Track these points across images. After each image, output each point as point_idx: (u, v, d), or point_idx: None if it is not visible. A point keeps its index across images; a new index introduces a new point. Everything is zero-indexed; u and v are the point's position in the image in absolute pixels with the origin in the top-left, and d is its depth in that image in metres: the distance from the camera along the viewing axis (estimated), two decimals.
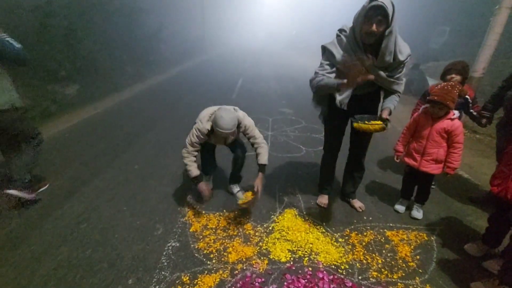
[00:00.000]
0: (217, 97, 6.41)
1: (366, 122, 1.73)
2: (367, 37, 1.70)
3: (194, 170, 2.18)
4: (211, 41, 17.49)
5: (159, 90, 7.14)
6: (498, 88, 2.36)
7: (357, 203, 2.48)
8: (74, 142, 3.81)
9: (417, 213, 2.38)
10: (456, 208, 2.52)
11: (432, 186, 2.62)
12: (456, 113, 2.08)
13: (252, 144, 2.28)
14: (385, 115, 1.82)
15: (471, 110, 2.41)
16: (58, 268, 1.81)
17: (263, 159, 2.24)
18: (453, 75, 2.30)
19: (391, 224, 2.29)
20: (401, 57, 1.77)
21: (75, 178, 2.88)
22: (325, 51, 1.92)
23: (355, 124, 1.76)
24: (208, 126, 2.11)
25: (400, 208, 2.45)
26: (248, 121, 2.23)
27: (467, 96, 2.37)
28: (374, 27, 1.64)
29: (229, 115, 2.00)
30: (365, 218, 2.36)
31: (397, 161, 2.35)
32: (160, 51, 10.79)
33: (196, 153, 2.19)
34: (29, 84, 5.17)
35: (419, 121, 2.18)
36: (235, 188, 2.68)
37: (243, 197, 2.26)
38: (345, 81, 1.69)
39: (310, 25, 20.61)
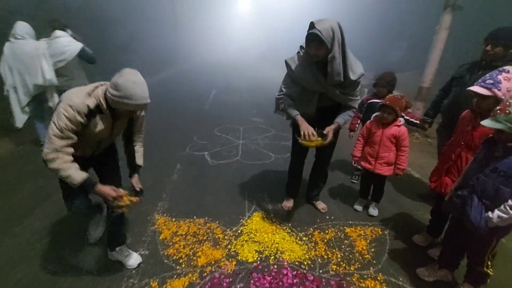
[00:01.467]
0: (190, 107, 6.47)
1: (307, 141, 1.97)
2: (310, 58, 1.90)
3: (77, 173, 1.44)
4: (184, 53, 17.50)
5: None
6: (436, 96, 2.70)
7: (320, 205, 2.66)
8: (38, 155, 3.65)
9: (373, 210, 2.60)
10: (408, 205, 2.79)
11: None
12: (402, 120, 2.35)
13: (133, 140, 1.86)
14: (326, 131, 2.01)
15: (406, 117, 2.68)
16: (19, 285, 1.76)
17: (141, 160, 1.90)
18: (380, 89, 2.63)
19: (350, 222, 2.48)
20: (353, 77, 1.92)
21: (40, 186, 2.78)
22: (287, 66, 2.09)
23: (299, 141, 1.99)
24: (88, 101, 1.44)
25: (358, 207, 2.67)
26: None
27: None
28: (312, 51, 1.83)
29: (138, 76, 1.45)
30: (327, 217, 2.54)
31: (355, 165, 2.57)
32: (132, 63, 10.64)
33: (70, 150, 1.44)
34: None
35: (371, 128, 2.42)
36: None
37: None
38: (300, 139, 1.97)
39: (280, 39, 21.40)
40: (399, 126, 2.30)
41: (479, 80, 1.64)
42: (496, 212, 1.41)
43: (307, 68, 1.95)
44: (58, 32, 3.37)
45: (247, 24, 31.89)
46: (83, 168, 1.51)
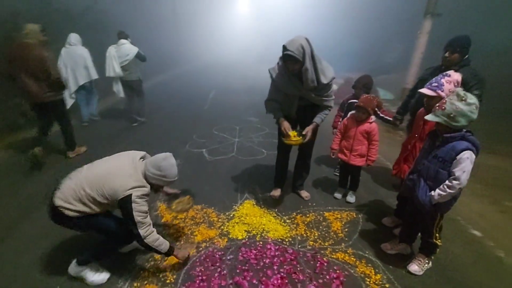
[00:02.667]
0: (190, 107, 6.81)
1: (289, 139, 2.36)
2: (289, 72, 2.25)
3: (165, 244, 1.81)
4: (185, 55, 17.84)
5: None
6: (406, 96, 3.03)
7: (304, 193, 2.99)
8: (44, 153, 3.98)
9: (351, 198, 2.93)
10: (383, 193, 3.12)
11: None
12: (373, 118, 2.68)
13: None
14: (305, 131, 2.38)
15: (381, 115, 3.02)
16: (43, 257, 2.09)
17: None
18: (357, 91, 2.98)
19: (329, 208, 2.82)
20: (325, 80, 2.26)
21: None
22: (270, 75, 2.45)
23: (283, 140, 2.40)
24: (147, 184, 1.77)
25: (338, 195, 3.00)
26: None
27: None
28: (289, 68, 2.19)
29: (173, 159, 1.85)
30: (309, 204, 2.87)
31: (333, 156, 2.91)
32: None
33: (152, 226, 1.78)
34: None
35: (347, 125, 2.75)
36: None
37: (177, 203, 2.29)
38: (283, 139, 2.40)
39: (278, 40, 21.78)
40: (370, 123, 2.64)
41: (427, 83, 1.97)
42: (437, 191, 1.73)
43: (286, 77, 2.30)
44: (122, 40, 4.88)
45: (246, 25, 32.26)
46: None
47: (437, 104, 1.72)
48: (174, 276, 1.95)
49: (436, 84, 1.92)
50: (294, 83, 2.29)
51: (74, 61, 4.70)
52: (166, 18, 16.23)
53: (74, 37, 4.76)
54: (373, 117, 2.67)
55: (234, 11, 33.54)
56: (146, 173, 1.76)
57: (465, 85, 2.35)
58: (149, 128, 5.22)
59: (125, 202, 1.64)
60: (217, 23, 29.32)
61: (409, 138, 2.27)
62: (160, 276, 1.96)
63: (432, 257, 2.06)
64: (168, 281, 1.91)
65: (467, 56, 2.45)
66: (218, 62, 19.84)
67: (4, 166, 3.64)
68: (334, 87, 2.45)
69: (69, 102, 4.72)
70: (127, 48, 4.85)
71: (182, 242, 2.28)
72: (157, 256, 2.12)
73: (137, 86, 5.16)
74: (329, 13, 16.26)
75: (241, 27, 32.56)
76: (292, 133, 2.39)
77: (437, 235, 1.95)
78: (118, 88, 5.12)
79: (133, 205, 1.64)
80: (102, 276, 1.90)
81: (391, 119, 3.00)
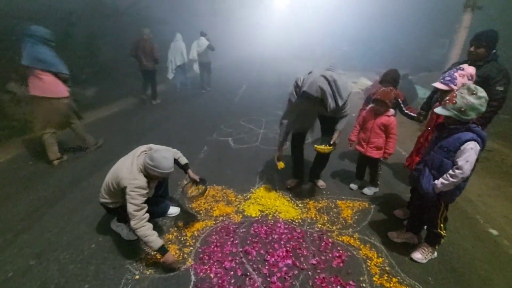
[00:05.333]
0: (221, 100, 7.19)
1: (322, 146, 2.55)
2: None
3: (157, 241, 1.87)
4: (221, 50, 18.39)
5: (170, 93, 7.90)
6: (431, 92, 2.98)
7: (320, 182, 3.12)
8: (94, 135, 4.54)
9: (368, 190, 2.99)
10: (400, 188, 3.13)
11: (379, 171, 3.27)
12: (392, 111, 2.71)
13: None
14: (333, 140, 2.52)
15: (406, 111, 3.01)
16: (89, 216, 2.51)
17: (184, 159, 2.37)
18: (385, 85, 2.97)
19: (343, 197, 2.92)
20: (341, 102, 2.35)
21: (97, 159, 3.62)
22: (289, 100, 2.55)
23: (315, 147, 2.58)
24: (143, 177, 1.93)
25: (354, 186, 3.08)
26: None
27: (398, 100, 2.99)
28: (311, 103, 2.31)
29: (169, 153, 2.01)
30: (324, 192, 3.00)
31: (350, 148, 2.99)
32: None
33: (147, 216, 1.91)
34: None
35: (365, 117, 2.82)
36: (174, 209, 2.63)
37: (194, 190, 2.40)
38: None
39: (314, 36, 21.41)
40: (389, 116, 2.67)
41: (440, 77, 2.00)
42: (440, 179, 1.79)
43: (306, 103, 2.37)
44: (201, 36, 7.66)
45: (282, 20, 32.13)
46: None
47: (447, 98, 1.76)
48: (193, 241, 2.24)
49: (449, 78, 1.94)
50: (315, 108, 2.43)
51: (176, 51, 7.65)
52: (205, 13, 16.83)
53: (178, 36, 7.70)
54: (392, 111, 2.70)
55: (272, 5, 33.50)
56: (145, 164, 1.93)
57: (489, 80, 2.32)
58: (180, 119, 5.65)
59: (124, 193, 1.90)
60: (254, 18, 29.60)
61: (423, 131, 2.30)
62: (182, 239, 2.26)
63: (437, 247, 2.10)
64: (187, 244, 2.20)
65: (495, 51, 2.38)
66: (252, 57, 20.14)
67: (58, 143, 4.25)
68: (351, 92, 2.51)
69: (170, 76, 7.94)
70: (203, 42, 7.62)
71: (202, 215, 2.57)
72: (180, 224, 2.43)
73: (207, 66, 7.96)
74: (371, 9, 15.61)
75: (278, 21, 32.50)
76: (320, 147, 2.57)
77: (441, 225, 1.99)
78: (196, 67, 8.17)
79: (127, 196, 1.85)
80: (134, 235, 2.24)
81: (415, 115, 2.97)
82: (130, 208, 1.84)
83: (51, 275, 1.93)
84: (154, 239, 1.86)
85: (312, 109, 2.49)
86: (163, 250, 1.89)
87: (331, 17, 20.47)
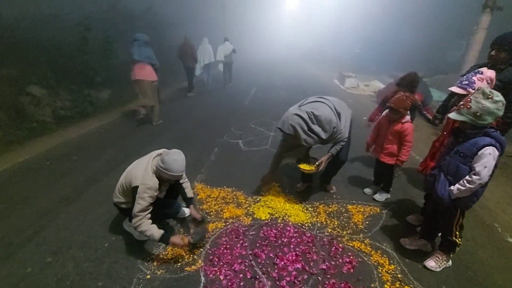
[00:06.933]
0: (231, 102, 7.24)
1: (306, 165, 2.68)
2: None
3: (156, 231, 1.95)
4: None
5: (180, 95, 8.03)
6: (448, 95, 2.91)
7: (330, 187, 3.09)
8: (108, 136, 4.69)
9: (379, 196, 2.93)
10: (413, 194, 3.05)
11: (396, 175, 3.21)
12: (407, 117, 2.62)
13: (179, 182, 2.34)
14: (320, 161, 2.57)
15: (424, 112, 2.95)
16: (103, 216, 2.57)
17: (191, 192, 2.42)
18: (402, 88, 2.89)
19: (354, 201, 2.88)
20: (324, 135, 2.36)
21: (112, 159, 3.71)
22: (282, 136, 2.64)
23: (298, 166, 2.67)
24: (155, 179, 1.99)
25: (368, 191, 3.03)
26: None
27: (417, 102, 2.93)
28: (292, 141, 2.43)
29: (181, 156, 2.00)
30: (334, 196, 2.97)
31: (366, 151, 2.94)
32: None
33: (149, 215, 1.98)
34: (68, 89, 6.18)
35: (381, 122, 2.76)
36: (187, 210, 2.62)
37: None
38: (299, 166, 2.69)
39: (326, 38, 21.30)
40: (403, 123, 2.57)
41: (458, 81, 1.95)
42: (456, 185, 1.74)
43: (288, 138, 2.48)
44: (225, 41, 9.05)
45: (293, 22, 32.09)
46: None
47: (461, 103, 1.71)
48: (203, 242, 2.26)
49: (466, 82, 1.89)
50: (302, 145, 2.44)
51: (204, 52, 8.76)
52: (215, 15, 17.04)
53: (205, 40, 8.82)
54: (407, 117, 2.61)
55: (283, 8, 33.52)
56: (157, 166, 1.97)
57: (510, 84, 2.24)
58: (192, 118, 5.73)
59: (133, 192, 1.97)
60: (265, 21, 29.69)
61: (439, 135, 2.25)
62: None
63: (452, 256, 2.04)
64: (197, 245, 2.22)
65: None
66: (262, 59, 20.17)
67: (75, 145, 4.39)
68: (343, 120, 2.49)
69: (198, 72, 8.82)
70: (228, 46, 9.02)
71: (213, 217, 2.59)
72: (191, 225, 2.46)
73: (230, 65, 9.45)
74: (384, 10, 15.41)
75: (288, 24, 32.48)
76: (304, 166, 2.68)
77: (457, 233, 1.94)
78: (221, 66, 9.42)
79: (136, 196, 1.93)
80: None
81: (430, 118, 2.91)
82: (136, 208, 1.91)
83: (67, 272, 1.99)
84: (154, 231, 1.94)
85: (296, 143, 2.50)
86: (165, 237, 1.96)
87: (343, 19, 20.33)
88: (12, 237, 2.33)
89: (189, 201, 2.40)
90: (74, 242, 2.28)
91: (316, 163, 2.59)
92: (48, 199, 2.87)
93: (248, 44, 24.04)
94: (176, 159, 1.96)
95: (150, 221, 1.97)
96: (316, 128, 2.32)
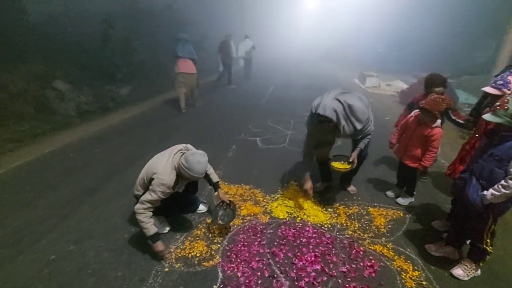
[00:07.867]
0: (249, 101, 7.24)
1: (339, 163, 2.56)
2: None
3: (151, 228, 1.96)
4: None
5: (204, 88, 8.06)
6: (481, 97, 2.75)
7: (350, 188, 3.00)
8: (128, 131, 4.79)
9: (402, 200, 2.81)
10: (439, 198, 2.91)
11: (424, 179, 3.09)
12: (438, 122, 2.44)
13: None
14: (352, 158, 2.45)
15: (453, 117, 2.78)
16: (123, 207, 2.62)
17: (216, 177, 2.43)
18: (438, 88, 2.72)
19: (375, 204, 2.78)
20: (359, 125, 2.21)
21: (132, 153, 3.79)
22: (307, 127, 2.56)
23: (332, 165, 2.53)
24: (173, 176, 1.99)
25: (390, 194, 2.92)
26: None
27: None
28: (325, 128, 2.21)
29: (204, 158, 2.01)
30: (355, 198, 2.89)
31: (390, 150, 2.83)
32: (202, 59, 11.97)
33: (152, 209, 2.00)
34: (91, 85, 6.37)
35: (408, 122, 2.63)
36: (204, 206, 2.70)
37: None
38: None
39: (347, 38, 20.87)
40: (432, 128, 2.42)
41: (492, 81, 1.84)
42: (490, 190, 1.64)
43: (320, 128, 2.29)
44: (246, 38, 9.78)
45: (313, 22, 31.69)
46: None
47: (498, 104, 1.61)
48: (221, 238, 2.26)
49: (501, 82, 1.78)
50: (332, 133, 2.34)
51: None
52: (234, 14, 17.11)
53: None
54: (438, 121, 2.43)
55: (302, 7, 33.17)
56: (180, 163, 1.98)
57: None
58: (212, 116, 5.76)
59: (149, 182, 1.99)
60: (283, 20, 29.52)
61: (470, 138, 2.13)
62: (210, 236, 2.29)
63: (481, 264, 1.92)
64: (215, 241, 2.22)
65: None
66: (281, 58, 20.05)
67: (97, 138, 4.51)
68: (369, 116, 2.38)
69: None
70: (248, 43, 9.68)
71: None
72: (208, 221, 2.46)
73: (250, 61, 10.12)
74: (407, 9, 14.91)
75: (308, 23, 32.11)
76: (337, 165, 2.55)
77: (488, 240, 1.82)
78: (241, 62, 10.12)
79: (150, 187, 1.96)
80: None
81: (463, 122, 2.73)
82: (146, 197, 1.95)
83: (88, 260, 2.04)
84: (148, 226, 1.95)
85: (328, 136, 2.42)
86: (154, 238, 1.96)
87: (364, 18, 19.84)
88: (37, 225, 2.42)
89: (216, 186, 2.40)
90: (95, 231, 2.34)
91: (350, 160, 2.48)
92: (71, 189, 2.96)
93: (267, 43, 23.96)
94: (200, 161, 1.96)
95: (151, 213, 1.99)
96: (352, 117, 2.22)
